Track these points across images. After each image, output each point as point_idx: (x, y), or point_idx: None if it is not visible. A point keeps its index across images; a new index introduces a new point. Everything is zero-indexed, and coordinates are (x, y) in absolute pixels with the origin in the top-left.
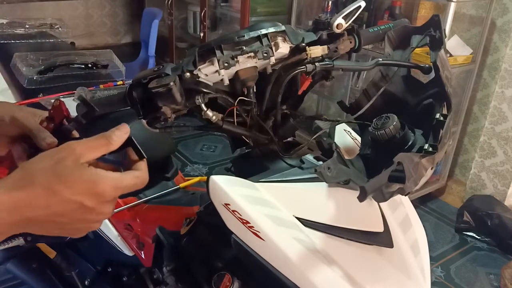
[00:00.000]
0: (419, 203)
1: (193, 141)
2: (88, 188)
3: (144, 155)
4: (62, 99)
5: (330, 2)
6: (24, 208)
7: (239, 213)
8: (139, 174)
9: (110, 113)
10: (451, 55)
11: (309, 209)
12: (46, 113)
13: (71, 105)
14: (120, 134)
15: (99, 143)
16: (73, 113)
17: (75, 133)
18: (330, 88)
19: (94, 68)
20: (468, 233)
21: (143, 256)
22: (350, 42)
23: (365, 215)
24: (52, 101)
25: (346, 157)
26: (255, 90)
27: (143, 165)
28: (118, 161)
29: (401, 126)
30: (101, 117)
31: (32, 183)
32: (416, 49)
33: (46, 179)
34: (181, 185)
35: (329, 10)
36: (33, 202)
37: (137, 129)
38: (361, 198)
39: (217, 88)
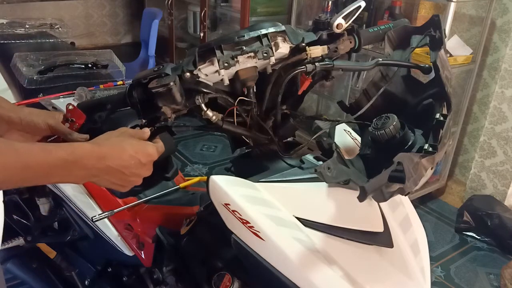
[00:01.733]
0: (419, 203)
1: (193, 141)
2: (143, 149)
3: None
4: (62, 99)
5: (330, 2)
6: (107, 158)
7: (239, 213)
8: (161, 145)
9: (110, 113)
10: (451, 55)
11: (309, 209)
12: (61, 115)
13: None
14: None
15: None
16: None
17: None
18: (330, 88)
19: (94, 68)
20: (468, 233)
21: (143, 256)
22: (350, 42)
23: (365, 215)
24: (52, 101)
25: (346, 157)
26: (255, 90)
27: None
28: None
29: (401, 126)
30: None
31: (112, 143)
32: (416, 49)
33: (120, 142)
34: (181, 185)
35: (329, 10)
36: (113, 154)
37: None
38: (361, 198)
39: (217, 88)
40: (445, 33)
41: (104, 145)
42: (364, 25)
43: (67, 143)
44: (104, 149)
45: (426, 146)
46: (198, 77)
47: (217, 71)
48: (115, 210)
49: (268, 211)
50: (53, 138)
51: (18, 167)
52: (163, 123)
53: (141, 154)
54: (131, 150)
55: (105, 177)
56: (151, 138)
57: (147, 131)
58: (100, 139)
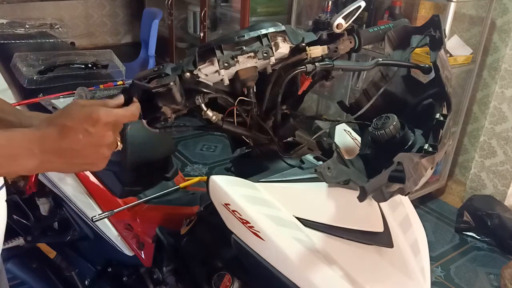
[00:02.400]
0: (419, 203)
1: (193, 141)
2: (86, 116)
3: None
4: (62, 99)
5: (330, 2)
6: (47, 140)
7: (239, 213)
8: (129, 108)
9: None
10: (451, 55)
11: (309, 209)
12: None
13: None
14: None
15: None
16: None
17: None
18: (330, 88)
19: (94, 68)
20: (468, 233)
21: (143, 256)
22: (350, 42)
23: (365, 215)
24: (52, 101)
25: (346, 157)
26: (255, 90)
27: (134, 105)
28: (118, 161)
29: (401, 126)
30: None
31: (51, 123)
32: (416, 49)
33: (59, 119)
34: (181, 185)
35: (329, 10)
36: (53, 135)
37: (137, 129)
38: (361, 198)
39: (217, 88)
40: (445, 33)
41: (45, 127)
42: (364, 25)
43: (5, 130)
44: (44, 131)
45: (426, 146)
46: (198, 77)
47: (217, 71)
48: (115, 210)
49: (268, 211)
50: None
51: None
52: (163, 123)
53: (86, 121)
54: (71, 122)
55: (59, 162)
56: (127, 103)
57: (120, 98)
58: (43, 121)
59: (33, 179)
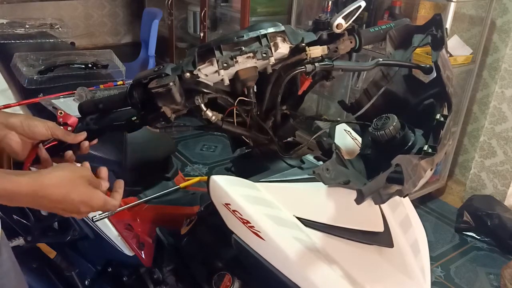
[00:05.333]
0: (419, 203)
1: (193, 141)
2: (89, 199)
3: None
4: (62, 99)
5: (330, 2)
6: (47, 191)
7: (239, 213)
8: (115, 203)
9: (111, 113)
10: (451, 55)
11: (310, 209)
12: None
13: (71, 104)
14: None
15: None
16: (73, 112)
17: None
18: (330, 88)
19: (94, 68)
20: (468, 233)
21: (143, 256)
22: (351, 42)
23: (365, 215)
24: (52, 101)
25: (346, 157)
26: (255, 90)
27: (118, 196)
28: (118, 161)
29: (401, 126)
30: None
31: (61, 180)
32: (417, 49)
33: (70, 183)
34: (181, 185)
35: (329, 10)
36: (54, 192)
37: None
38: (358, 201)
39: (217, 88)
40: (447, 32)
41: (51, 181)
42: (364, 25)
43: (10, 174)
44: (49, 186)
45: (425, 148)
46: (198, 77)
47: (216, 71)
48: (115, 210)
49: (269, 211)
50: (50, 140)
51: None
52: (163, 123)
53: (83, 204)
54: (76, 195)
55: (50, 207)
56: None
57: (105, 185)
58: (47, 172)
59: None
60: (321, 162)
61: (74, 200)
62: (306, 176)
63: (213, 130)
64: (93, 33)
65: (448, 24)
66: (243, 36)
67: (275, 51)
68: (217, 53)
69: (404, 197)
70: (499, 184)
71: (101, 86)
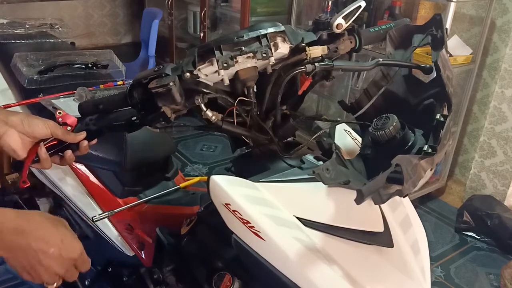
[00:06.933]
0: (419, 203)
1: (193, 141)
2: (70, 242)
3: None
4: (62, 99)
5: (330, 2)
6: (31, 234)
7: (239, 213)
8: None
9: (111, 113)
10: (451, 55)
11: (310, 209)
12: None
13: (71, 104)
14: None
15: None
16: (72, 113)
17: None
18: (330, 88)
19: (94, 68)
20: (468, 233)
21: (143, 256)
22: (351, 42)
23: (365, 215)
24: (52, 101)
25: (346, 157)
26: (255, 90)
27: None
28: (118, 161)
29: (401, 126)
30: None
31: (42, 222)
32: (417, 49)
33: (52, 225)
34: (181, 185)
35: (329, 10)
36: (39, 233)
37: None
38: (358, 201)
39: (217, 88)
40: (447, 32)
41: (32, 221)
42: (364, 25)
43: None
44: (29, 226)
45: (425, 147)
46: (198, 77)
47: (216, 71)
48: (115, 210)
49: (269, 211)
50: (50, 140)
51: None
52: (163, 123)
53: (66, 246)
54: (58, 237)
55: (18, 254)
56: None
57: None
58: (31, 214)
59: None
60: (321, 162)
61: (55, 236)
62: (306, 176)
63: (213, 130)
64: (93, 33)
65: (448, 24)
66: (243, 36)
67: (275, 51)
68: (217, 53)
69: (404, 197)
70: (499, 184)
71: (101, 86)
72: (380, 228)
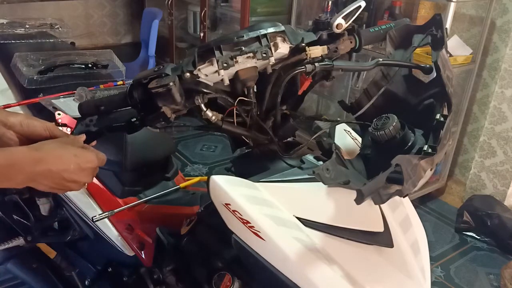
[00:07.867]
0: (419, 203)
1: (193, 141)
2: (83, 154)
3: None
4: (62, 99)
5: (330, 2)
6: (46, 161)
7: (239, 213)
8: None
9: (111, 113)
10: (451, 55)
11: (310, 209)
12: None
13: (71, 104)
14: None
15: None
16: (72, 113)
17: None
18: (330, 88)
19: (94, 68)
20: (468, 233)
21: (143, 256)
22: (351, 42)
23: (365, 215)
24: (52, 101)
25: (346, 158)
26: (255, 90)
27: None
28: (118, 161)
29: (401, 126)
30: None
31: (51, 147)
32: (417, 49)
33: (59, 146)
34: (181, 185)
35: (329, 10)
36: (52, 158)
37: None
38: (358, 201)
39: (217, 88)
40: (447, 32)
41: (43, 149)
42: (364, 25)
43: (4, 148)
44: (42, 153)
45: (425, 147)
46: (198, 77)
47: (216, 71)
48: (115, 210)
49: (269, 211)
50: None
51: None
52: (163, 123)
53: (82, 158)
54: (71, 154)
55: (43, 181)
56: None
57: (82, 137)
58: (39, 144)
59: None
60: (321, 162)
61: (67, 154)
62: (306, 176)
63: (213, 130)
64: (93, 33)
65: (448, 24)
66: (243, 36)
67: (275, 51)
68: (217, 53)
69: (404, 197)
70: (499, 184)
71: (101, 86)
72: (380, 228)
